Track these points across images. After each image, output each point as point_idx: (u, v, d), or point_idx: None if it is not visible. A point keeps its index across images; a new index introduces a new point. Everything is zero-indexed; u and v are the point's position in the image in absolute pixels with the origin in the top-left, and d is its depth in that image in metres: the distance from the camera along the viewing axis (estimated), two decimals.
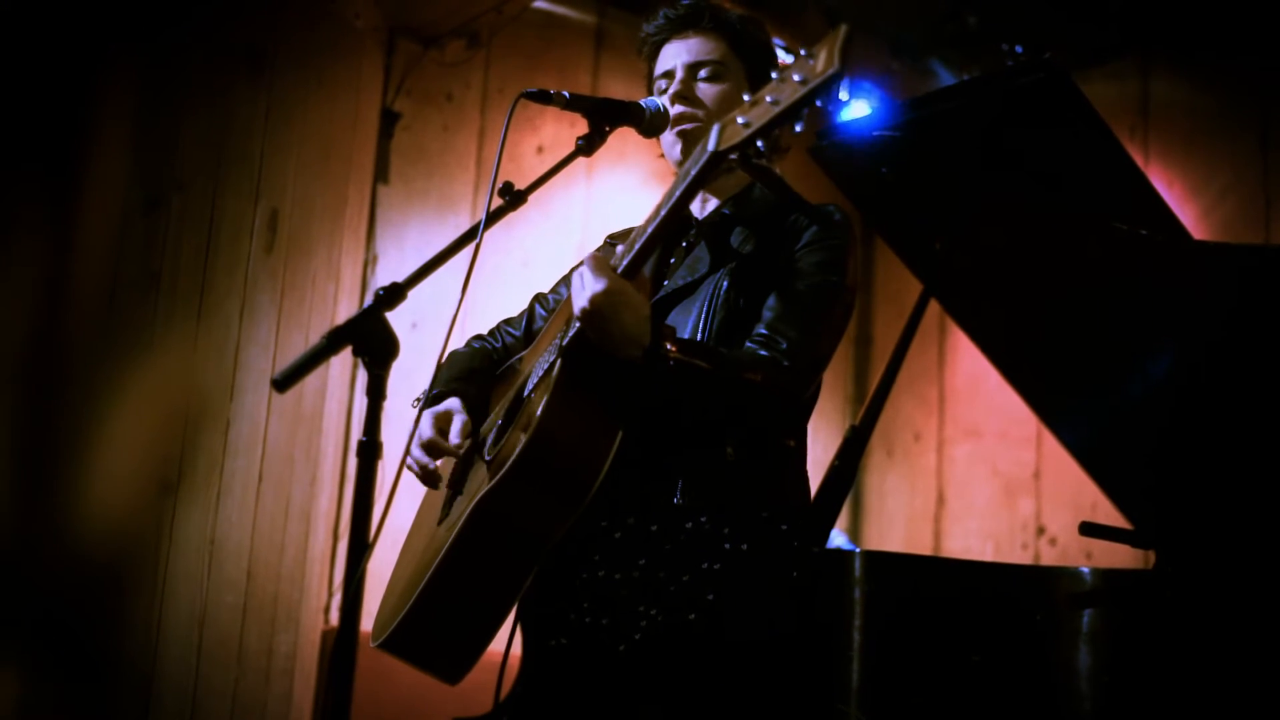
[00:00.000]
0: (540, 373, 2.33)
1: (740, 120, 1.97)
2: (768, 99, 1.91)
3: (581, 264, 2.19)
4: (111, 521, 3.94)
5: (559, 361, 2.22)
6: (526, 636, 2.41)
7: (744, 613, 2.24)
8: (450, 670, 2.20)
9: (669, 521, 2.27)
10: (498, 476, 2.14)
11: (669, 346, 2.14)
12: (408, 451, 2.36)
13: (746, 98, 1.98)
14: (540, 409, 2.15)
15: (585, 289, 2.13)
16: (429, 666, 2.22)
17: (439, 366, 2.65)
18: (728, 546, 2.26)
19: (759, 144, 1.96)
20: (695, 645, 2.21)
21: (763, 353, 2.27)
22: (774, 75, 1.91)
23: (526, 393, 2.35)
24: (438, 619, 2.20)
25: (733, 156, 2.03)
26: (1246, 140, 5.28)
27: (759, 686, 2.24)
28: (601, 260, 2.16)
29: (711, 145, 2.04)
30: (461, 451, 2.41)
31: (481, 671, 2.65)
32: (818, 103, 1.86)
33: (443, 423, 2.45)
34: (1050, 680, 2.29)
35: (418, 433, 2.44)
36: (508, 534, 2.16)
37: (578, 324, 2.22)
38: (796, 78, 1.86)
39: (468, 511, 2.15)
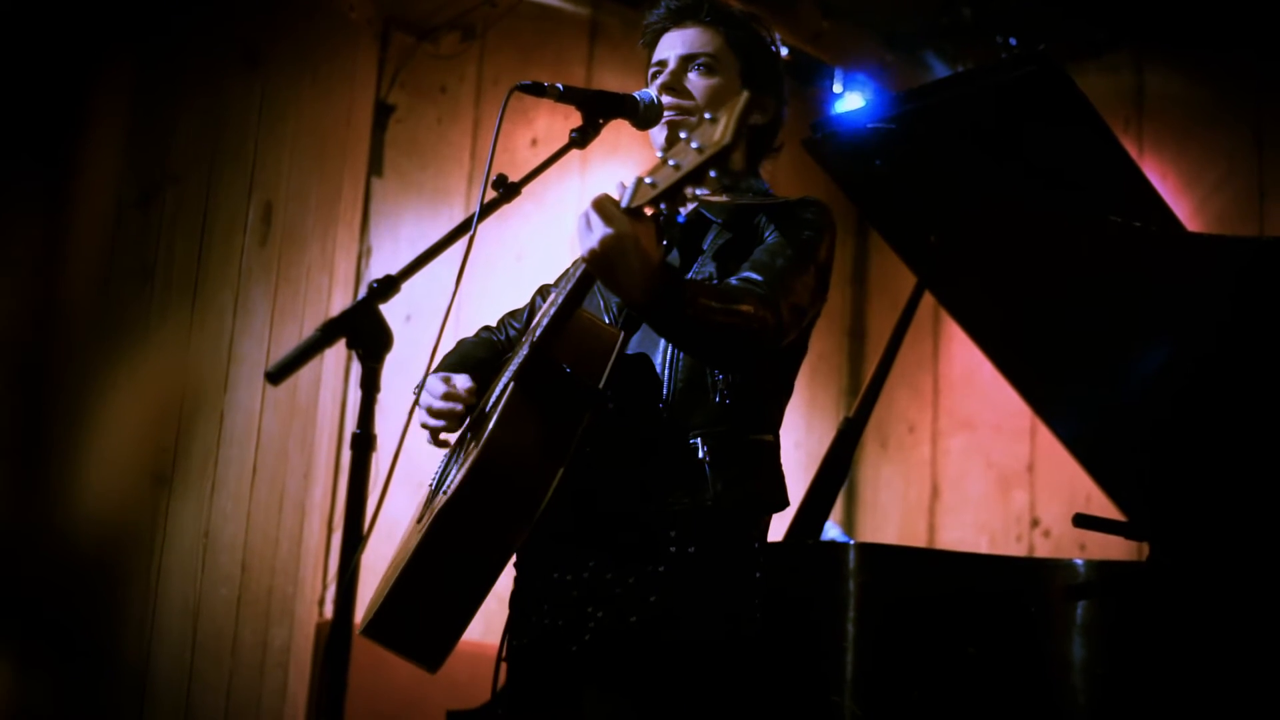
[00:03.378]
0: (500, 388, 2.35)
1: (648, 180, 2.02)
2: (670, 162, 1.97)
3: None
4: (105, 514, 3.94)
5: (511, 384, 2.25)
6: (508, 635, 2.44)
7: (689, 615, 2.23)
8: (427, 659, 2.25)
9: (618, 524, 2.29)
10: (451, 490, 2.19)
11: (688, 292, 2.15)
12: (411, 414, 2.37)
13: (658, 155, 2.04)
14: (490, 427, 2.19)
15: (593, 233, 2.08)
16: (407, 654, 2.27)
17: (445, 354, 2.66)
18: (673, 550, 2.26)
19: (662, 206, 2.00)
20: (638, 646, 2.22)
21: (750, 281, 2.27)
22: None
23: (489, 407, 2.37)
24: (411, 611, 2.25)
25: (648, 211, 2.06)
26: (1241, 133, 5.28)
27: (710, 686, 2.24)
28: (607, 204, 2.11)
29: (625, 202, 2.07)
30: (472, 399, 2.45)
31: (475, 666, 2.65)
32: (711, 173, 1.90)
33: (447, 381, 2.47)
34: (1045, 671, 2.30)
35: (426, 390, 2.45)
36: (467, 541, 2.21)
37: (528, 345, 2.26)
38: (694, 145, 1.92)
39: (432, 518, 2.20)
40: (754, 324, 2.21)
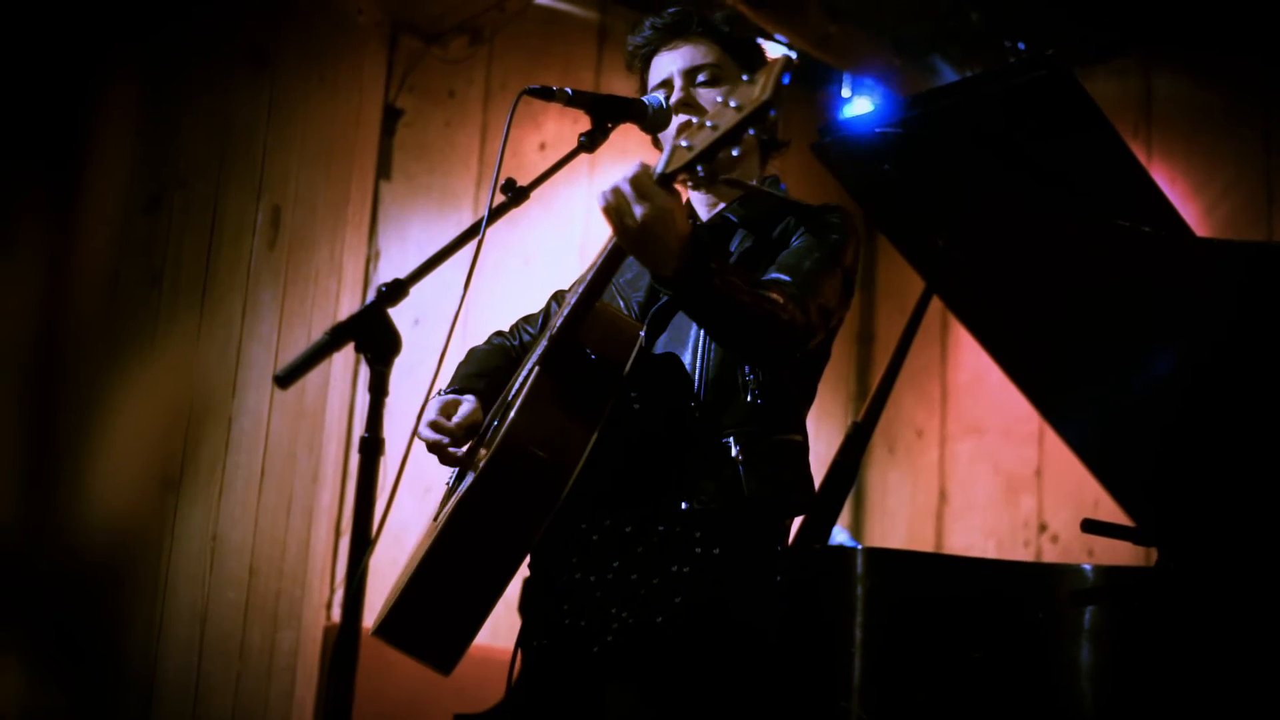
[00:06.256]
0: (522, 378, 2.35)
1: (684, 144, 2.01)
2: (708, 124, 1.96)
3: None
4: (114, 518, 3.94)
5: (535, 369, 2.25)
6: (521, 637, 2.44)
7: (714, 616, 2.24)
8: (440, 660, 2.24)
9: (642, 524, 2.28)
10: (472, 481, 2.18)
11: (712, 265, 2.14)
12: (415, 433, 2.36)
13: (693, 120, 2.03)
14: (513, 414, 2.19)
15: (630, 208, 2.06)
16: (419, 655, 2.26)
17: (458, 364, 2.66)
18: (698, 550, 2.26)
19: (699, 169, 2.00)
20: (663, 647, 2.22)
21: (779, 280, 2.28)
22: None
23: (510, 396, 2.37)
24: (426, 610, 2.24)
25: (682, 177, 2.05)
26: (1249, 137, 5.27)
27: (731, 686, 2.24)
28: (643, 178, 2.08)
29: (660, 168, 2.06)
30: (460, 433, 2.43)
31: (482, 669, 2.64)
32: (750, 131, 1.91)
33: (449, 409, 2.46)
34: (1052, 678, 2.29)
35: (424, 414, 2.45)
36: (486, 534, 2.20)
37: (549, 335, 2.25)
38: (733, 104, 1.92)
39: (449, 512, 2.19)
40: (782, 314, 2.20)
